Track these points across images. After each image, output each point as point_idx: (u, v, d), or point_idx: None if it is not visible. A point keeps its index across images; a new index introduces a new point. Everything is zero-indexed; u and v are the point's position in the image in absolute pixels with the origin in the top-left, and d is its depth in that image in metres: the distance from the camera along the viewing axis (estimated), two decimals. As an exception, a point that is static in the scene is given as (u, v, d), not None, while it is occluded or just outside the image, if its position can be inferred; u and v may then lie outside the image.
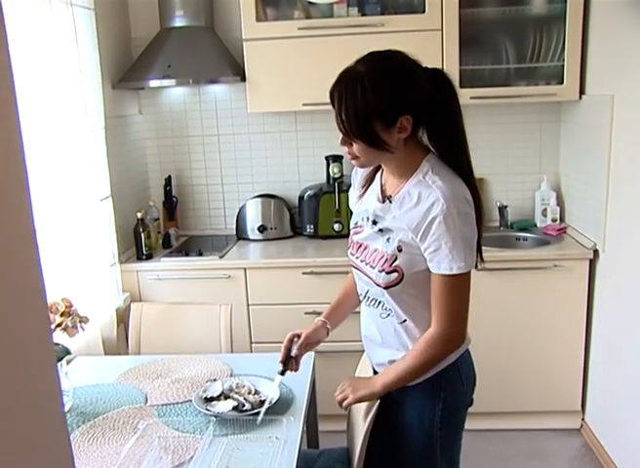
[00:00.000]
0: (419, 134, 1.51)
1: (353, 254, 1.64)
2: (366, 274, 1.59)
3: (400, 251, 1.49)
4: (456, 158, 1.51)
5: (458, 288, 1.48)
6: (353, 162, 1.55)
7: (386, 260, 1.52)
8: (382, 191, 1.59)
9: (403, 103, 1.43)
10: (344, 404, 1.60)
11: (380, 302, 1.60)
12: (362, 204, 1.66)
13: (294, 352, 1.72)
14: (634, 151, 2.38)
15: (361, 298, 1.68)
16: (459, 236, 1.42)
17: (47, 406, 0.64)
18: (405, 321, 1.57)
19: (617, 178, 2.56)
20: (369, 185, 1.65)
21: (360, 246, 1.62)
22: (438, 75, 1.49)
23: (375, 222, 1.57)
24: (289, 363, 1.73)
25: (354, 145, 1.48)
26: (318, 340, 1.77)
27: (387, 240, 1.52)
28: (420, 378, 1.57)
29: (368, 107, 1.40)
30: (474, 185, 1.51)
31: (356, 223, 1.66)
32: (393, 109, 1.42)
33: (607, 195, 2.63)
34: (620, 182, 2.52)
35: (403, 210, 1.50)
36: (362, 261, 1.60)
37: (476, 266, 1.58)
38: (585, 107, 2.89)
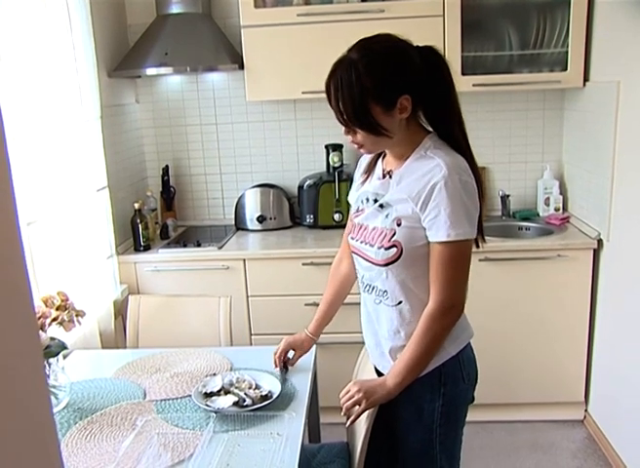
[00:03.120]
0: (418, 114, 1.52)
1: (353, 238, 1.63)
2: (364, 256, 1.58)
3: (399, 225, 1.49)
4: (452, 133, 1.51)
5: (456, 256, 1.46)
6: (361, 150, 1.55)
7: (385, 236, 1.51)
8: (383, 170, 1.60)
9: (400, 83, 1.44)
10: (359, 410, 1.53)
11: (373, 288, 1.59)
12: (363, 188, 1.65)
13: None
14: (640, 139, 2.34)
15: (360, 286, 1.68)
16: (458, 202, 1.42)
17: (34, 406, 0.61)
18: (400, 302, 1.55)
19: (622, 166, 2.51)
20: (371, 171, 1.66)
21: (360, 227, 1.60)
22: (430, 52, 1.51)
23: (375, 200, 1.57)
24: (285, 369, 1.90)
25: (358, 134, 1.48)
26: (302, 346, 1.89)
27: (386, 216, 1.52)
28: (421, 372, 1.53)
29: (365, 92, 1.41)
30: (474, 162, 1.52)
31: (357, 208, 1.65)
32: (391, 90, 1.43)
33: (612, 183, 2.58)
34: (626, 170, 2.48)
35: (403, 183, 1.51)
36: (362, 242, 1.59)
37: (477, 246, 1.56)
38: (589, 94, 2.85)
